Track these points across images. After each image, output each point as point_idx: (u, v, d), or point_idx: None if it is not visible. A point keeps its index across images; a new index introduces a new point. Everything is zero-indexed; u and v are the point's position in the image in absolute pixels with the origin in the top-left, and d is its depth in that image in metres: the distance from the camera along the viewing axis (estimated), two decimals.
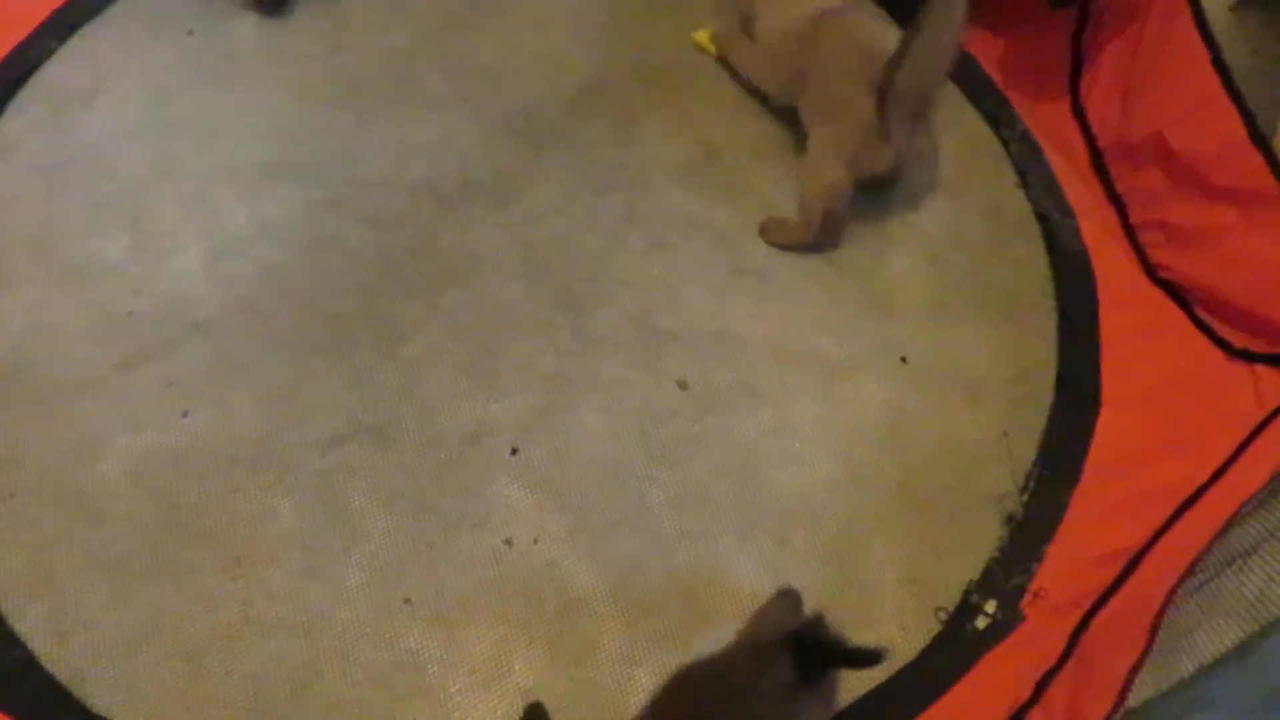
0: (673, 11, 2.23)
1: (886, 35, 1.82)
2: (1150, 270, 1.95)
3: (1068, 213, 2.04)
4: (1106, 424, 1.83)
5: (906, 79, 1.74)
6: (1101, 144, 2.07)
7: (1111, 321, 1.92)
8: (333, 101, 2.09)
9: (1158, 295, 1.92)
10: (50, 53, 2.10)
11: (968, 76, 2.18)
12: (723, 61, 2.16)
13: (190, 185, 1.99)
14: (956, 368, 1.91)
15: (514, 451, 1.78)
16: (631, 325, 1.90)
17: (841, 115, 1.86)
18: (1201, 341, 1.84)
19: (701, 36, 2.17)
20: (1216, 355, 1.81)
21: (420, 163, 2.03)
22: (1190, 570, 1.49)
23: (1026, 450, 1.83)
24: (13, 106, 2.06)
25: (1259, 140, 1.74)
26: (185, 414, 1.78)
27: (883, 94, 1.77)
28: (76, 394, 1.79)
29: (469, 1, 2.22)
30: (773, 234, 1.99)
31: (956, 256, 2.02)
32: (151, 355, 1.83)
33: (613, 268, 1.96)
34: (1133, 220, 2.00)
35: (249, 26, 2.17)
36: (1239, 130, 1.76)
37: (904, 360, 1.91)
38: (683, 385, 1.86)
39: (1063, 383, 1.88)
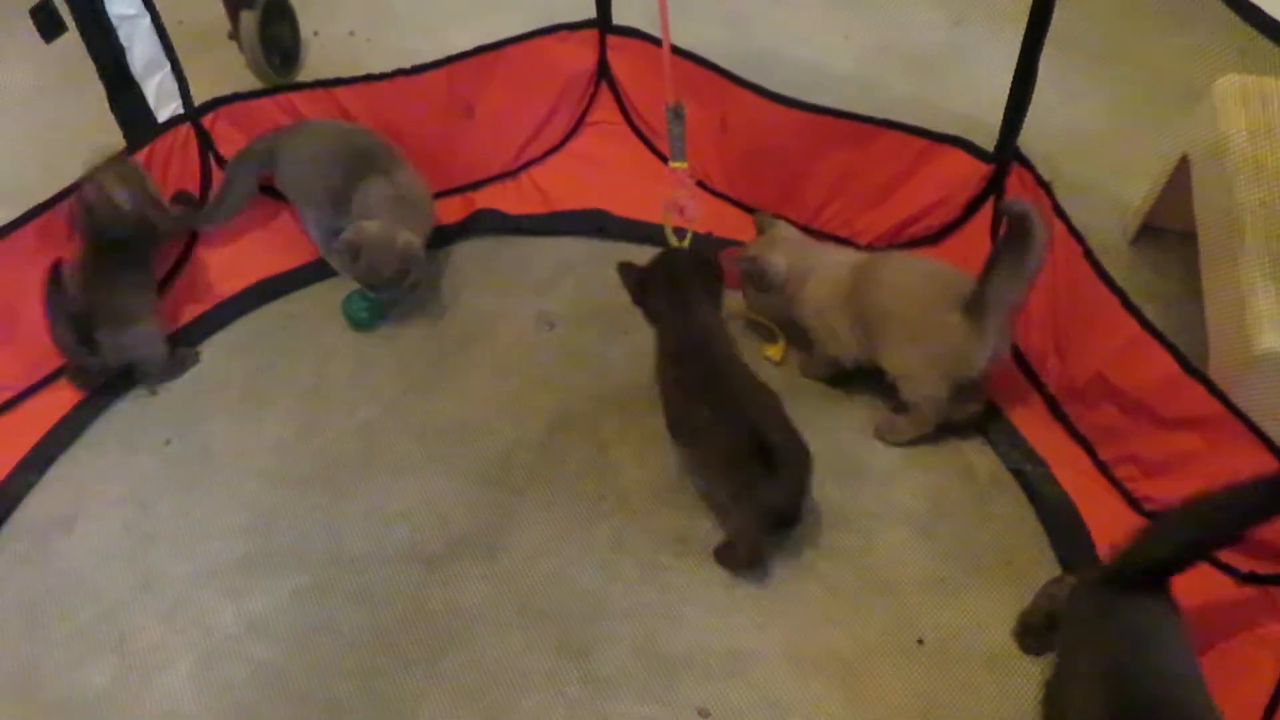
0: (620, 340, 2.36)
1: (927, 263, 2.13)
2: (1135, 504, 1.97)
3: (1039, 462, 2.08)
4: None
5: (996, 290, 1.90)
6: (1051, 390, 2.16)
7: None
8: (309, 483, 2.13)
9: None
10: (30, 486, 2.13)
11: None
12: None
13: (174, 595, 1.96)
14: (974, 640, 1.86)
15: None
16: (639, 658, 1.85)
17: (928, 335, 1.98)
18: (1206, 568, 1.81)
19: (773, 351, 2.33)
20: (1226, 581, 1.79)
21: (402, 529, 2.05)
22: None
23: None
24: None
25: (1193, 372, 1.82)
26: None
27: (978, 303, 1.91)
28: None
29: (429, 365, 2.34)
30: (893, 434, 2.14)
31: (944, 525, 2.03)
32: None
33: (610, 601, 1.93)
34: (1103, 458, 2.04)
35: (225, 423, 2.24)
36: (1171, 364, 1.85)
37: (920, 642, 1.86)
38: (704, 714, 1.78)
39: None
